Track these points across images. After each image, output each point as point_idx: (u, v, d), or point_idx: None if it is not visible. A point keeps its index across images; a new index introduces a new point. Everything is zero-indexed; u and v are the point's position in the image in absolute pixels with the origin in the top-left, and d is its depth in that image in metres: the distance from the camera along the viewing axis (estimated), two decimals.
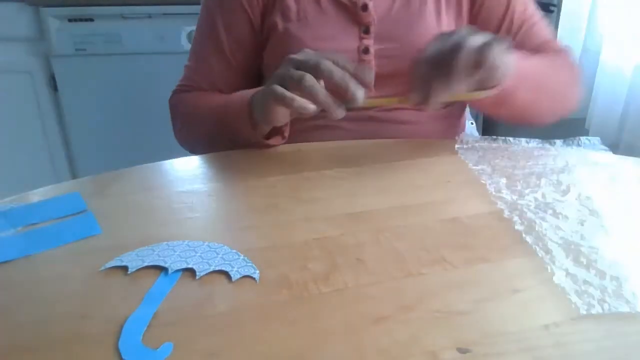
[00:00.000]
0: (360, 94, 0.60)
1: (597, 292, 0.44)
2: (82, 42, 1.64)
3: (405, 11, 0.80)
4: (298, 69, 0.61)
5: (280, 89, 0.61)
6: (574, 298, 0.43)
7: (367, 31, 0.80)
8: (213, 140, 0.78)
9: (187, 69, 0.87)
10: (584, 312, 0.42)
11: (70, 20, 1.61)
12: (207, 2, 0.85)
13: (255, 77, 0.87)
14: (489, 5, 0.83)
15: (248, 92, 0.71)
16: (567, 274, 0.46)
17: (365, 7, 0.79)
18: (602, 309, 0.42)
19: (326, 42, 0.79)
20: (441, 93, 0.61)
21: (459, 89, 0.61)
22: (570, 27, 1.39)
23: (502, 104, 0.70)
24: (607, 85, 1.29)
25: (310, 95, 0.60)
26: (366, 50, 0.79)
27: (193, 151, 0.84)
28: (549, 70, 0.79)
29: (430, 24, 0.80)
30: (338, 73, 0.60)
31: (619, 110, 1.27)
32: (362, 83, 0.61)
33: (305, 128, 0.79)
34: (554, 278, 0.46)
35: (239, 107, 0.71)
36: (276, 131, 0.71)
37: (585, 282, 0.45)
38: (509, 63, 0.63)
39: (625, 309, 0.42)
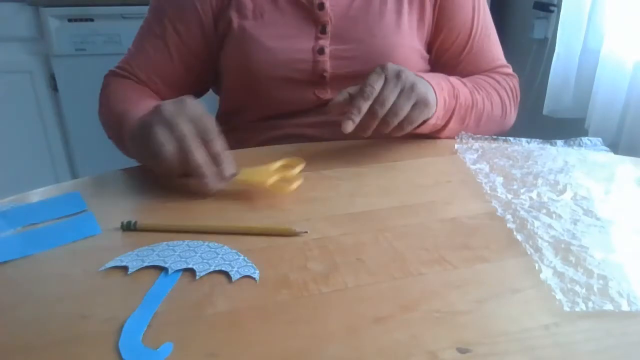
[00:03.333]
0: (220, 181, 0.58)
1: (582, 290, 0.44)
2: (82, 42, 1.64)
3: (364, 11, 0.78)
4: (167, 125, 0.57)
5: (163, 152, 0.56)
6: (559, 295, 0.43)
7: (324, 31, 0.78)
8: (115, 140, 0.76)
9: (128, 52, 0.84)
10: (567, 309, 0.42)
11: (70, 20, 1.61)
12: None
13: (202, 72, 0.83)
14: (452, 10, 0.81)
15: (136, 117, 0.64)
16: (555, 272, 0.46)
17: (321, 6, 0.77)
18: (586, 306, 0.42)
19: (282, 41, 0.77)
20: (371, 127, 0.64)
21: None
22: (570, 27, 1.39)
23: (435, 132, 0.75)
24: (607, 86, 1.28)
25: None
26: (321, 51, 0.77)
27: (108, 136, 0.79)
28: (484, 102, 0.79)
29: (389, 25, 0.78)
30: (197, 158, 0.56)
31: (618, 110, 1.27)
32: (220, 174, 0.58)
33: (266, 139, 0.80)
34: (541, 275, 0.46)
35: (128, 129, 0.65)
36: None
37: (572, 280, 0.45)
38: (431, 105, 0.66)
39: (609, 307, 0.42)
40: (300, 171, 0.62)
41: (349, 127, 0.61)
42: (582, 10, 1.36)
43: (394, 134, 0.66)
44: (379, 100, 0.61)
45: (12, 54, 1.64)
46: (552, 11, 1.61)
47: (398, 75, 0.63)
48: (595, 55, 1.32)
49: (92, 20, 1.62)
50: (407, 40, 0.80)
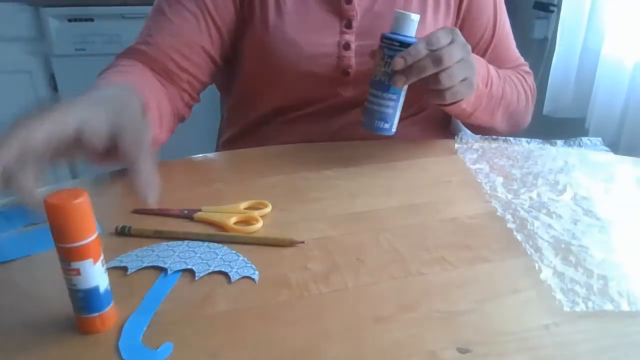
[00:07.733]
0: None
1: (582, 290, 0.44)
2: (82, 42, 1.64)
3: (388, 6, 0.77)
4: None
5: None
6: (559, 295, 0.43)
7: (349, 25, 0.77)
8: None
9: (141, 32, 0.78)
10: (568, 309, 0.42)
11: (70, 20, 1.62)
12: None
13: (220, 51, 0.77)
14: (478, 7, 0.81)
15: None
16: (555, 272, 0.46)
17: (349, 0, 0.76)
18: (586, 307, 0.42)
19: (305, 35, 0.75)
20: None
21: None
22: (570, 27, 1.39)
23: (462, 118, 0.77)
24: (607, 85, 1.28)
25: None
26: (347, 47, 0.76)
27: None
28: (512, 95, 0.79)
29: None
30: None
31: (618, 110, 1.27)
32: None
33: (275, 135, 0.79)
34: (541, 275, 0.46)
35: None
36: None
37: (572, 280, 0.45)
38: (472, 85, 0.65)
39: (609, 307, 0.42)
40: (265, 215, 0.56)
41: (399, 64, 0.60)
42: (582, 11, 1.36)
43: (431, 98, 0.65)
44: (440, 54, 0.60)
45: (12, 54, 1.64)
46: (552, 11, 1.61)
47: (465, 45, 0.62)
48: (595, 55, 1.32)
49: (92, 20, 1.62)
50: None
